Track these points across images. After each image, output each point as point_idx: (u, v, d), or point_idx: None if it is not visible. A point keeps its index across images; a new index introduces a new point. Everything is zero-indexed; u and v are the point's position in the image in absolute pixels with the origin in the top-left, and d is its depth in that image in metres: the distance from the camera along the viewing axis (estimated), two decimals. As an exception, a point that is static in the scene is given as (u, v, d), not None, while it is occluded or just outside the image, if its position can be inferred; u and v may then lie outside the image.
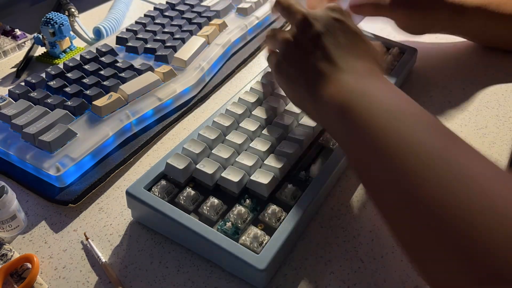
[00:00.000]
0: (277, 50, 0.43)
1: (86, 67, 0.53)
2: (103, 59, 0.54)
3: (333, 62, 0.38)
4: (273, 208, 0.38)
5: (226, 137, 0.43)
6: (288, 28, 0.43)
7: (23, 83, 0.51)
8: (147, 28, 0.61)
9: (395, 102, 0.34)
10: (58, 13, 0.59)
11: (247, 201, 0.39)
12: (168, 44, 0.58)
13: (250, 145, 0.42)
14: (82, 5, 0.74)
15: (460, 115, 0.53)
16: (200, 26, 0.62)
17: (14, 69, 0.60)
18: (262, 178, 0.39)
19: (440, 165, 0.29)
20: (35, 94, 0.49)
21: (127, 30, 0.61)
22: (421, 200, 0.28)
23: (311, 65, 0.39)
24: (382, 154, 0.31)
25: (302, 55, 0.40)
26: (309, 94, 0.39)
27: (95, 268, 0.37)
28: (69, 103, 0.47)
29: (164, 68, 0.53)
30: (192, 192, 0.39)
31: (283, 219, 0.37)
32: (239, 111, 0.46)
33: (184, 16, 0.64)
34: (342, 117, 0.35)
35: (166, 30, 0.61)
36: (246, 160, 0.40)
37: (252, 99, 0.48)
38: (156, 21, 0.63)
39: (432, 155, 0.29)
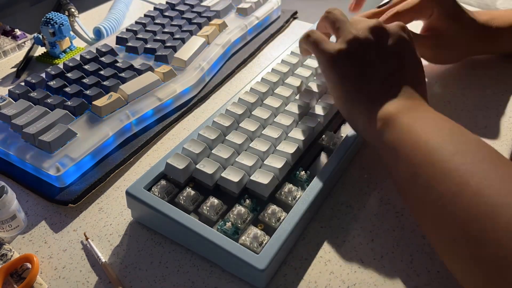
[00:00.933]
0: (337, 39, 0.42)
1: (86, 67, 0.53)
2: (103, 59, 0.54)
3: (393, 84, 0.39)
4: (273, 208, 0.38)
5: (226, 137, 0.43)
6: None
7: (23, 83, 0.51)
8: (147, 28, 0.61)
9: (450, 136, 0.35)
10: (58, 13, 0.59)
11: (247, 201, 0.39)
12: (168, 44, 0.58)
13: (250, 145, 0.42)
14: (82, 5, 0.74)
15: (460, 115, 0.53)
16: (200, 26, 0.62)
17: (14, 69, 0.60)
18: (262, 178, 0.39)
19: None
20: (35, 94, 0.49)
21: (127, 30, 0.61)
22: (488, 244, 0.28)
23: (377, 76, 0.40)
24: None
25: (370, 60, 0.40)
26: (363, 103, 0.40)
27: (95, 268, 0.37)
28: (69, 103, 0.47)
29: (164, 68, 0.53)
30: (192, 192, 0.39)
31: (283, 219, 0.37)
32: (239, 111, 0.46)
33: (184, 16, 0.64)
34: (388, 132, 0.37)
35: (166, 30, 0.61)
36: (246, 160, 0.40)
37: (252, 99, 0.48)
38: (156, 21, 0.63)
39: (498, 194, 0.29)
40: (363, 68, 0.40)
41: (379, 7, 0.56)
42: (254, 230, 0.36)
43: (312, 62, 0.54)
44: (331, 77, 0.42)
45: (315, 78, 0.52)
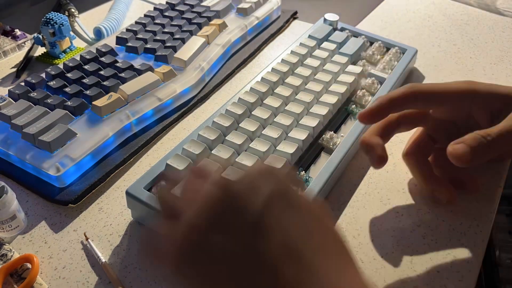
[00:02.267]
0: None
1: (86, 67, 0.53)
2: (103, 59, 0.54)
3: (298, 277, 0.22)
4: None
5: (226, 138, 0.43)
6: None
7: (23, 83, 0.51)
8: (147, 28, 0.61)
9: None
10: (58, 13, 0.59)
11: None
12: (168, 44, 0.58)
13: (250, 145, 0.42)
14: (82, 5, 0.74)
15: (460, 115, 0.53)
16: (200, 26, 0.62)
17: (14, 69, 0.60)
18: (262, 178, 0.39)
19: None
20: (35, 94, 0.49)
21: (127, 30, 0.61)
22: None
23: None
24: None
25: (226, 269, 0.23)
26: None
27: (95, 268, 0.37)
28: (69, 103, 0.47)
29: (164, 68, 0.53)
30: (192, 192, 0.39)
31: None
32: (239, 111, 0.46)
33: (184, 16, 0.64)
34: None
35: (166, 30, 0.61)
36: (246, 160, 0.40)
37: (252, 99, 0.48)
38: (156, 21, 0.63)
39: None
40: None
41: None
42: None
43: (312, 61, 0.54)
44: None
45: (315, 77, 0.52)
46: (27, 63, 0.61)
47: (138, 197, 0.38)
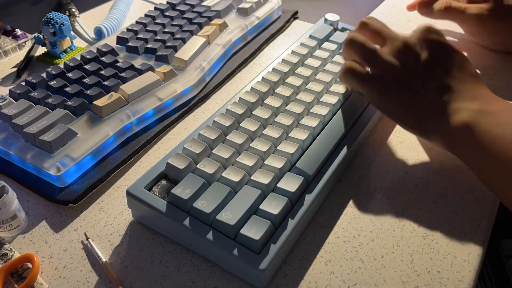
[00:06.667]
0: (371, 70, 0.43)
1: (86, 67, 0.53)
2: (103, 59, 0.55)
3: (450, 91, 0.40)
4: (273, 208, 0.38)
5: (227, 137, 0.43)
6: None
7: (23, 83, 0.51)
8: (148, 28, 0.61)
9: None
10: (58, 13, 0.60)
11: (248, 201, 0.39)
12: (168, 44, 0.58)
13: (251, 145, 0.42)
14: (83, 5, 0.75)
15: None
16: (200, 26, 0.62)
17: (15, 69, 0.60)
18: (263, 178, 0.39)
19: None
20: (36, 94, 0.49)
21: (128, 30, 0.61)
22: None
23: (428, 95, 0.40)
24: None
25: (416, 83, 0.40)
26: (431, 123, 0.40)
27: (96, 268, 0.37)
28: (69, 103, 0.47)
29: (164, 68, 0.53)
30: (193, 192, 0.39)
31: (283, 219, 0.37)
32: (240, 111, 0.46)
33: (185, 16, 0.64)
34: (472, 140, 0.37)
35: (166, 30, 0.61)
36: (247, 160, 0.40)
37: (252, 99, 0.48)
38: (157, 21, 0.63)
39: None
40: (413, 95, 0.40)
41: None
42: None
43: (313, 61, 0.54)
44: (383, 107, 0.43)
45: (315, 77, 0.52)
46: (27, 63, 0.61)
47: (138, 196, 0.38)
